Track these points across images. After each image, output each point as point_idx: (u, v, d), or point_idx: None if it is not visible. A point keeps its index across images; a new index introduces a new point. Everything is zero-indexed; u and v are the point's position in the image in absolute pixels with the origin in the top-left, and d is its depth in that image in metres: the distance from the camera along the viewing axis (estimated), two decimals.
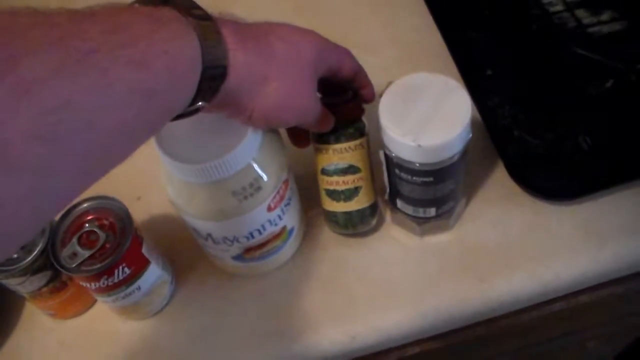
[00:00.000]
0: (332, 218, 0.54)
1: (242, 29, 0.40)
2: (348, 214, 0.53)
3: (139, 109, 0.31)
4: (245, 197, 0.46)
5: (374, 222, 0.55)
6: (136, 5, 0.36)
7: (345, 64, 0.48)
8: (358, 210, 0.53)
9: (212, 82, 0.37)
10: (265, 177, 0.46)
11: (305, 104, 0.45)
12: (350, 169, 0.52)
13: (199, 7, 0.37)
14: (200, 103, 0.37)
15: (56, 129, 0.27)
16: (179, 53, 0.33)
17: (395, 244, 0.56)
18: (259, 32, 0.41)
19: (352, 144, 0.51)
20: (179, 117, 0.38)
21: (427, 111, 0.46)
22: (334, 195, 0.53)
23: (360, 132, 0.52)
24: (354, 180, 0.52)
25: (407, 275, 0.54)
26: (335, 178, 0.52)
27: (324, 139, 0.51)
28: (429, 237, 0.55)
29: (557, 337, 0.72)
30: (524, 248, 0.54)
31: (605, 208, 0.55)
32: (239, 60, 0.38)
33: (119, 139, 0.31)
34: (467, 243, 0.55)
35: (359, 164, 0.52)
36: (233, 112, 0.41)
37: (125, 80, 0.29)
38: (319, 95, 0.48)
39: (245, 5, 0.78)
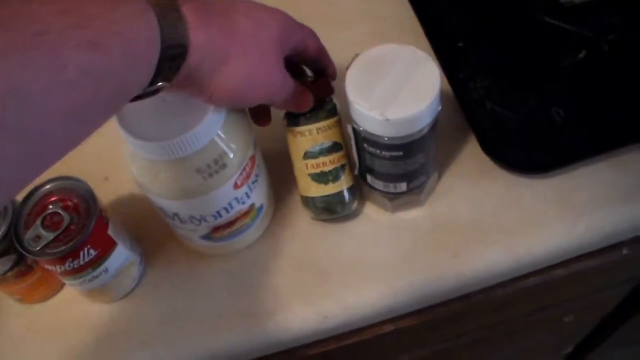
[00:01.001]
0: (318, 205, 0.53)
1: (204, 6, 0.39)
2: (339, 195, 0.52)
3: (94, 91, 0.30)
4: (211, 175, 0.45)
5: (356, 203, 0.54)
6: None
7: (310, 42, 0.47)
8: (348, 189, 0.52)
9: (172, 62, 0.36)
10: (230, 154, 0.45)
11: (271, 81, 0.43)
12: (335, 147, 0.51)
13: None
14: (161, 84, 0.36)
15: (3, 115, 0.26)
16: (135, 33, 0.32)
17: (368, 220, 0.55)
18: (221, 9, 0.40)
19: (332, 121, 0.51)
20: (140, 97, 0.37)
21: (394, 84, 0.45)
22: (321, 178, 0.52)
23: (335, 110, 0.51)
24: (339, 158, 0.52)
25: (379, 252, 0.53)
26: (321, 159, 0.51)
27: (304, 120, 0.50)
28: (401, 213, 0.55)
29: (534, 312, 0.72)
30: (498, 223, 0.53)
31: (579, 181, 0.54)
32: (200, 38, 0.37)
33: (74, 122, 0.30)
34: (440, 219, 0.54)
35: (341, 141, 0.52)
36: (194, 92, 0.40)
37: (78, 62, 0.29)
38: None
39: None
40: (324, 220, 0.55)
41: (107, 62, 0.30)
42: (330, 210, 0.53)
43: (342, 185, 0.52)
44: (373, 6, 0.70)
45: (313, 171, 0.51)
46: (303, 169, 0.52)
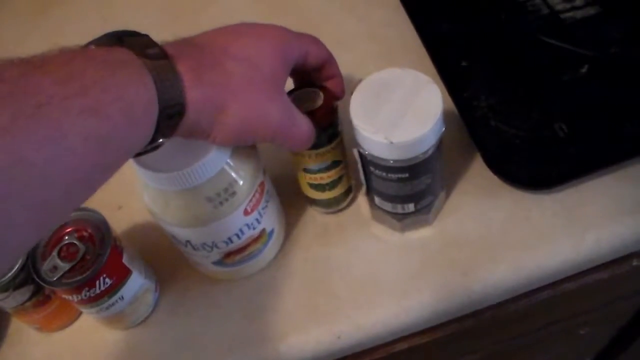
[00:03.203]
0: (315, 202, 0.57)
1: (198, 60, 0.39)
2: (335, 198, 0.56)
3: (96, 155, 0.31)
4: (221, 203, 0.46)
5: (351, 197, 0.58)
6: (91, 47, 0.37)
7: (311, 50, 0.47)
8: (342, 193, 0.56)
9: (169, 120, 0.37)
10: (239, 182, 0.46)
11: (268, 120, 0.43)
12: (334, 164, 0.53)
13: (154, 45, 0.37)
14: (160, 140, 0.37)
15: (9, 186, 0.27)
16: (134, 97, 0.33)
17: (377, 241, 0.56)
18: (214, 59, 0.41)
19: (333, 144, 0.51)
20: (140, 153, 0.38)
21: (398, 107, 0.46)
22: (318, 187, 0.55)
23: (336, 133, 0.52)
24: (337, 172, 0.54)
25: (390, 271, 0.54)
26: (319, 175, 0.53)
27: None
28: (409, 233, 0.55)
29: (547, 325, 0.72)
30: (506, 239, 0.54)
31: (585, 194, 0.55)
32: (196, 96, 0.38)
33: (77, 186, 0.32)
34: (449, 237, 0.55)
35: (340, 157, 0.53)
36: (198, 138, 0.41)
37: (79, 129, 0.30)
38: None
39: (220, 7, 0.78)
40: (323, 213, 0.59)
41: (108, 127, 0.31)
42: (324, 206, 0.57)
43: (337, 192, 0.55)
44: (375, 27, 0.71)
45: (311, 182, 0.54)
46: (302, 177, 0.54)
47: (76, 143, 0.30)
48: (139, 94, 0.34)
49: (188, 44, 0.41)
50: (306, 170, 0.53)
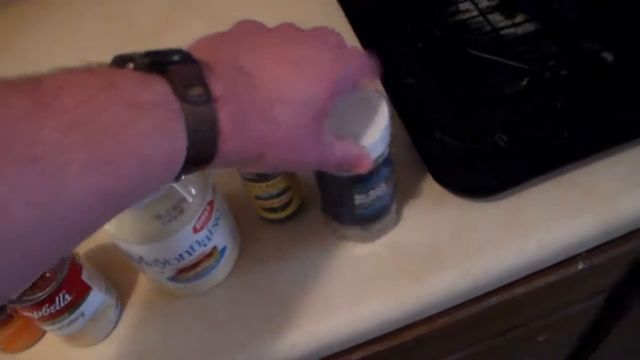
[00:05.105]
0: (269, 220, 0.59)
1: (244, 106, 0.34)
2: (285, 217, 0.58)
3: (99, 213, 0.29)
4: (170, 220, 0.48)
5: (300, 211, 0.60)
6: (127, 67, 0.32)
7: (358, 79, 0.44)
8: (293, 211, 0.58)
9: (194, 166, 0.33)
10: (188, 199, 0.48)
11: (305, 162, 0.41)
12: (284, 190, 0.55)
13: (199, 83, 0.32)
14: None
15: None
16: (154, 151, 0.29)
17: (330, 252, 0.58)
18: (264, 103, 0.36)
19: (280, 177, 0.54)
20: None
21: (345, 120, 0.47)
22: (269, 210, 0.57)
23: None
24: (287, 196, 0.56)
25: (342, 281, 0.56)
26: (270, 201, 0.56)
27: (252, 178, 0.54)
28: (363, 244, 0.58)
29: (503, 332, 0.73)
30: (453, 246, 0.56)
31: (527, 200, 0.57)
32: (232, 147, 0.34)
33: (70, 242, 0.29)
34: (399, 246, 0.57)
35: (289, 183, 0.55)
36: None
37: (81, 186, 0.27)
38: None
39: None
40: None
41: (118, 183, 0.28)
42: (280, 223, 0.59)
43: (290, 210, 0.58)
44: None
45: (262, 206, 0.57)
46: (253, 201, 0.57)
47: (77, 201, 0.27)
48: (162, 147, 0.30)
49: (240, 76, 0.35)
50: (257, 197, 0.56)
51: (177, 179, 0.33)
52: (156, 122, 0.29)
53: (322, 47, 0.40)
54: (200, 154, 0.32)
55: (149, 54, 0.32)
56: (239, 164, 0.38)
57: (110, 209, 0.29)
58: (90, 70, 0.29)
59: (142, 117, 0.29)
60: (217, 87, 0.32)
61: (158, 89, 0.30)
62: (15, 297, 0.48)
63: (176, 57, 0.32)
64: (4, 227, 0.25)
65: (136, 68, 0.31)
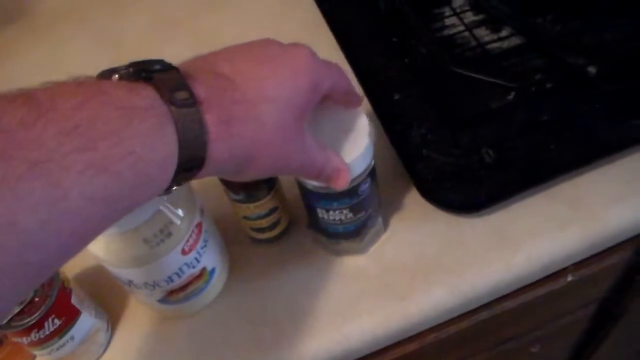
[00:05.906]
0: (257, 239, 0.59)
1: (229, 109, 0.36)
2: (274, 236, 0.59)
3: (100, 214, 0.29)
4: (158, 244, 0.48)
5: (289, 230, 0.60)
6: (113, 79, 0.33)
7: (339, 82, 0.45)
8: (282, 230, 0.59)
9: (187, 172, 0.34)
10: (176, 222, 0.48)
11: (291, 163, 0.41)
12: (271, 211, 0.56)
13: (184, 86, 0.33)
14: (173, 188, 0.35)
15: None
16: (149, 152, 0.30)
17: (318, 270, 0.58)
18: (248, 105, 0.37)
19: (270, 195, 0.54)
20: None
21: (329, 137, 0.48)
22: (258, 230, 0.57)
23: (274, 183, 0.54)
24: (275, 216, 0.56)
25: (330, 299, 0.56)
26: (258, 221, 0.56)
27: (240, 199, 0.54)
28: (348, 261, 0.58)
29: (495, 345, 0.74)
30: (441, 262, 0.56)
31: (514, 215, 0.57)
32: (221, 150, 0.35)
33: (75, 246, 0.30)
34: (386, 263, 0.57)
35: (277, 203, 0.56)
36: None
37: (82, 189, 0.27)
38: None
39: None
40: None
41: (117, 186, 0.29)
42: (269, 242, 0.59)
43: (276, 231, 0.58)
44: None
45: (251, 226, 0.57)
46: (241, 221, 0.57)
47: (78, 203, 0.27)
48: (156, 149, 0.31)
49: (221, 80, 0.37)
50: (245, 217, 0.56)
51: (170, 188, 0.34)
52: (148, 125, 0.30)
53: (299, 48, 0.42)
54: (191, 157, 0.33)
55: (133, 65, 0.34)
56: (231, 169, 0.38)
57: (111, 212, 0.30)
58: (78, 82, 0.31)
59: (133, 122, 0.30)
60: (200, 91, 0.34)
61: (147, 94, 0.32)
62: (3, 322, 0.48)
63: (158, 66, 0.34)
64: (10, 234, 0.25)
65: (121, 78, 0.33)
